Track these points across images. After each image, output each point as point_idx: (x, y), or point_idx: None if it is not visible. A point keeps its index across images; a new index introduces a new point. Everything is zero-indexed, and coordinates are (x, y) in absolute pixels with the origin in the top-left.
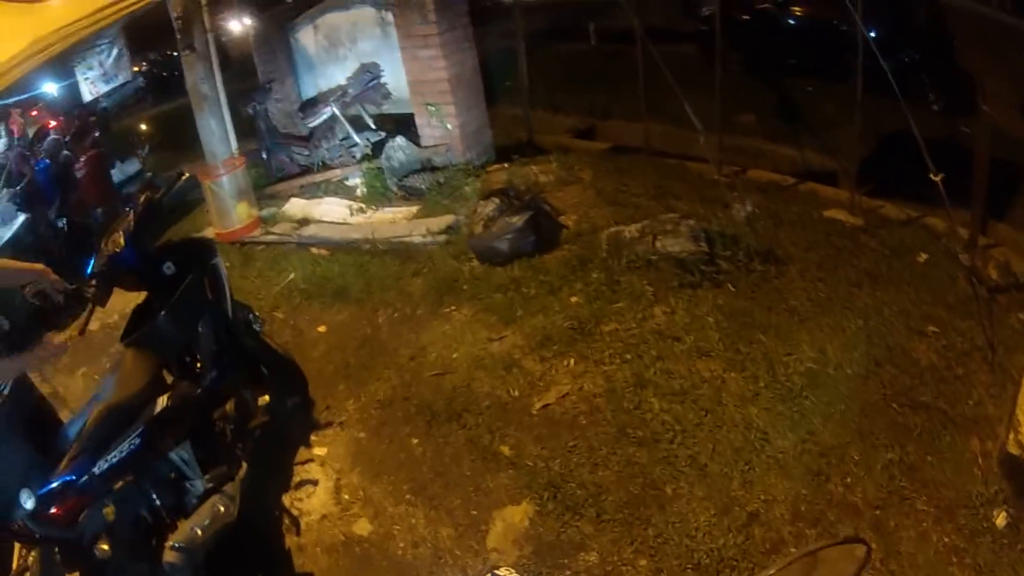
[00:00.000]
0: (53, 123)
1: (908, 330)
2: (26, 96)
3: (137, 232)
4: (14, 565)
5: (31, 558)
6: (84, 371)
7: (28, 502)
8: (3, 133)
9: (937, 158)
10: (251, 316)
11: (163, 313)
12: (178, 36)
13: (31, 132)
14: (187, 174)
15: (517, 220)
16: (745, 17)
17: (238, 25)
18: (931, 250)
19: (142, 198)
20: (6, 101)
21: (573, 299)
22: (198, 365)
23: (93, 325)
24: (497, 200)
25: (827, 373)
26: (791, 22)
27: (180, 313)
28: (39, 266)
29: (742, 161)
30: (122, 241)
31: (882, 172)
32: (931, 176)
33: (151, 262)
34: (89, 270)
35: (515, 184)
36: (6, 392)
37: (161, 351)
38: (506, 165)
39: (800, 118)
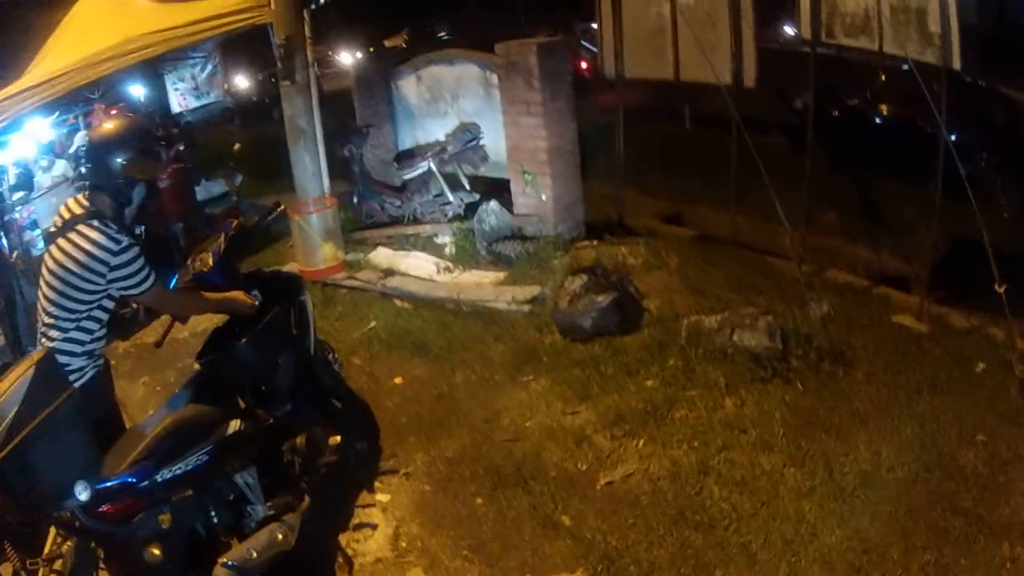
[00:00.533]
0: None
1: (959, 437)
2: (105, 92)
3: (227, 255)
4: (45, 550)
5: (65, 547)
6: (146, 380)
7: (83, 494)
8: (83, 127)
9: (1005, 267)
10: (331, 356)
11: (245, 340)
12: (278, 64)
13: None
14: (283, 206)
15: (602, 299)
16: (835, 113)
17: (340, 62)
18: (989, 360)
19: (234, 223)
20: (91, 96)
21: (649, 382)
22: (273, 395)
23: (149, 337)
24: (584, 277)
25: (880, 474)
26: (878, 120)
27: (262, 342)
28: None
29: (822, 260)
30: (211, 261)
31: (951, 278)
32: (995, 287)
33: (236, 287)
34: (172, 284)
35: (603, 263)
36: (84, 383)
37: (238, 376)
38: (595, 243)
39: (880, 219)
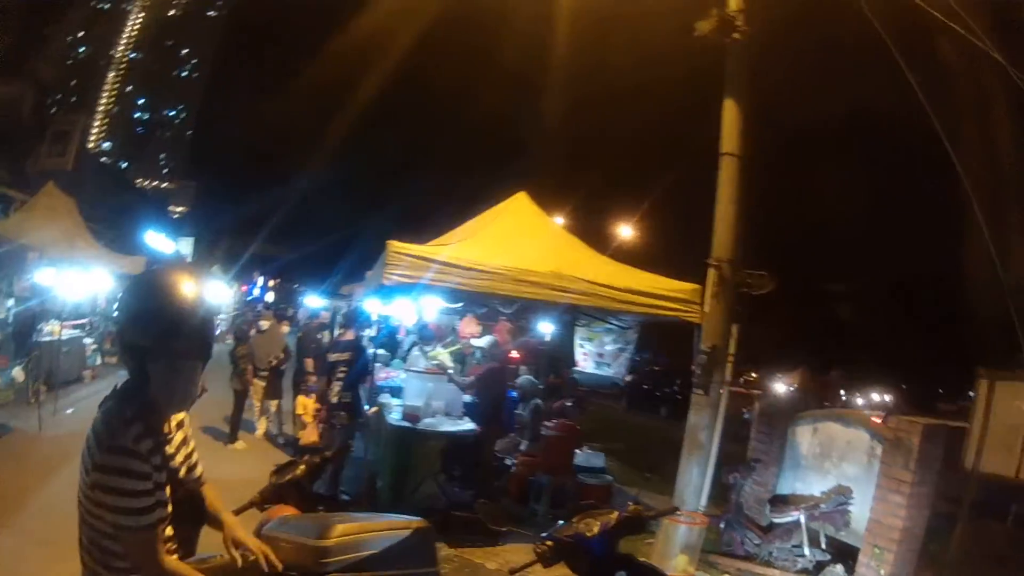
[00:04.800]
0: (515, 355)
1: None
2: (516, 312)
3: (615, 531)
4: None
5: None
6: None
7: None
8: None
9: None
10: None
11: None
12: (695, 370)
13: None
14: (679, 512)
15: None
16: None
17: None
18: None
19: (632, 508)
20: (503, 311)
21: None
22: None
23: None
24: None
25: None
26: None
27: None
28: None
29: None
30: (596, 529)
31: None
32: None
33: (607, 563)
34: (549, 533)
35: None
36: None
37: None
38: None
39: None
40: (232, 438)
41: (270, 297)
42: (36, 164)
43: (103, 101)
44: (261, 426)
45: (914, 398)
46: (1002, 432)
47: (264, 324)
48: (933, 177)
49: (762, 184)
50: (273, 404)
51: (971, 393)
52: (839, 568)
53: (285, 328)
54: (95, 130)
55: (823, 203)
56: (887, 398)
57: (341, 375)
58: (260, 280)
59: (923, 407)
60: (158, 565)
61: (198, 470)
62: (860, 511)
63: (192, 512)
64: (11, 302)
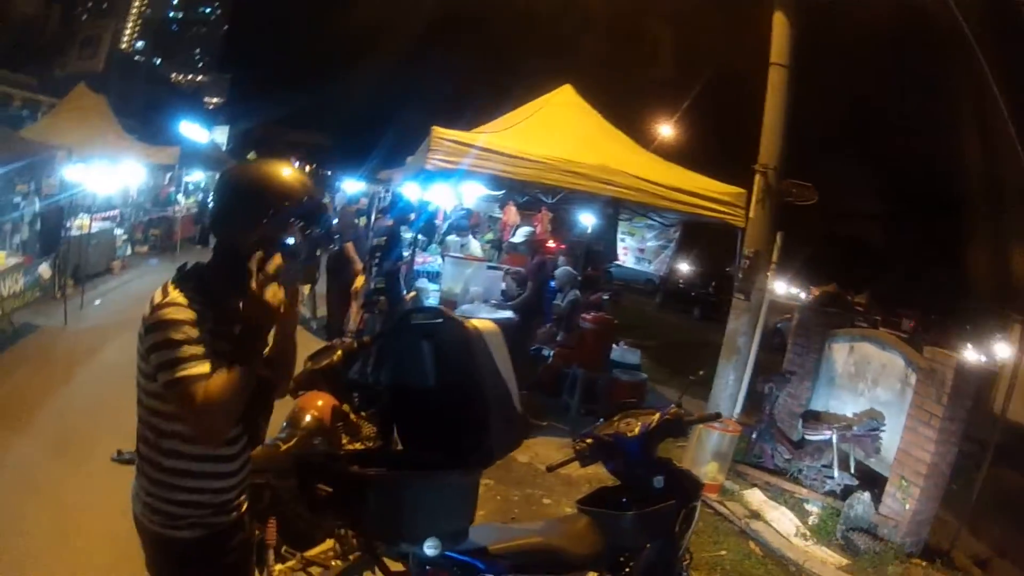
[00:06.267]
0: (553, 244)
1: None
2: (556, 202)
3: (654, 434)
4: (311, 552)
5: (335, 563)
6: (488, 483)
7: (431, 550)
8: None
9: None
10: (686, 563)
11: (633, 514)
12: (737, 275)
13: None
14: (722, 417)
15: None
16: None
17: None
18: None
19: (673, 410)
20: (544, 199)
21: None
22: (627, 569)
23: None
24: None
25: None
26: None
27: (648, 524)
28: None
29: None
30: (637, 430)
31: None
32: None
33: (647, 465)
34: (588, 431)
35: None
36: None
37: (611, 539)
38: (925, 564)
39: None
40: None
41: None
42: (66, 68)
43: (135, 4)
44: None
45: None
46: None
47: None
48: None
49: (809, 96)
50: (306, 288)
51: (999, 335)
52: (866, 495)
53: None
54: (127, 32)
55: (868, 118)
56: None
57: (378, 260)
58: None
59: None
60: (207, 402)
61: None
62: (890, 439)
63: (258, 398)
64: (37, 202)
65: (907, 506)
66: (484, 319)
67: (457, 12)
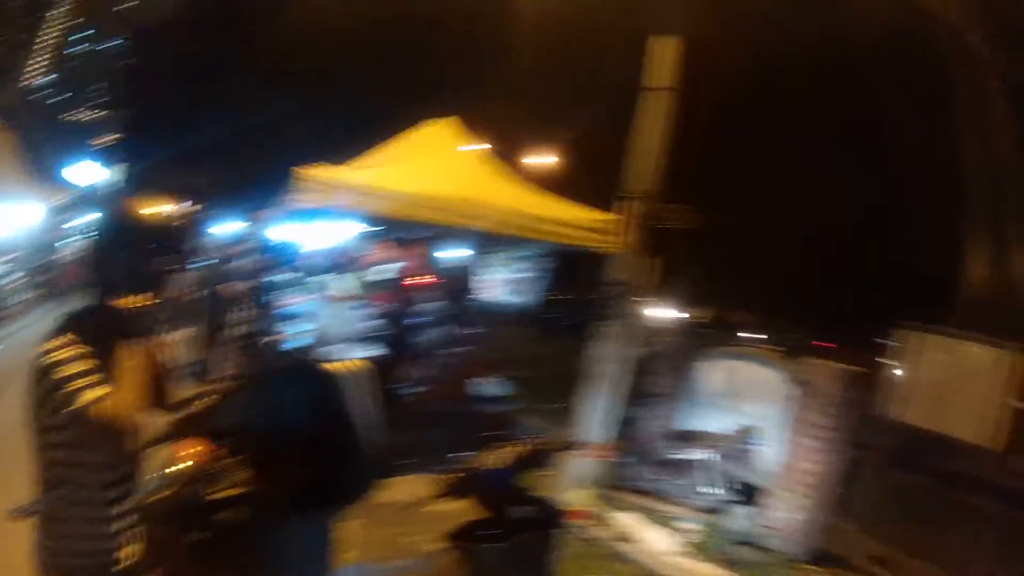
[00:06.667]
0: (426, 279)
1: None
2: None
3: (519, 466)
4: None
5: None
6: (361, 522)
7: None
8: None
9: None
10: None
11: (503, 545)
12: (609, 301)
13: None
14: (581, 445)
15: None
16: None
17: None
18: None
19: (540, 441)
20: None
21: None
22: None
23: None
24: None
25: None
26: None
27: (516, 555)
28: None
29: None
30: (505, 463)
31: None
32: None
33: (512, 496)
34: (458, 465)
35: None
36: None
37: (480, 571)
38: (820, 570)
39: None
40: None
41: None
42: None
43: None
44: None
45: (830, 342)
46: (922, 384)
47: None
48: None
49: (696, 120)
50: (183, 334)
51: (889, 343)
52: (749, 509)
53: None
54: (32, 67)
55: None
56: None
57: (251, 302)
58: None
59: (838, 353)
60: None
61: None
62: (771, 452)
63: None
64: None
65: (795, 516)
66: (351, 359)
67: (346, 50)
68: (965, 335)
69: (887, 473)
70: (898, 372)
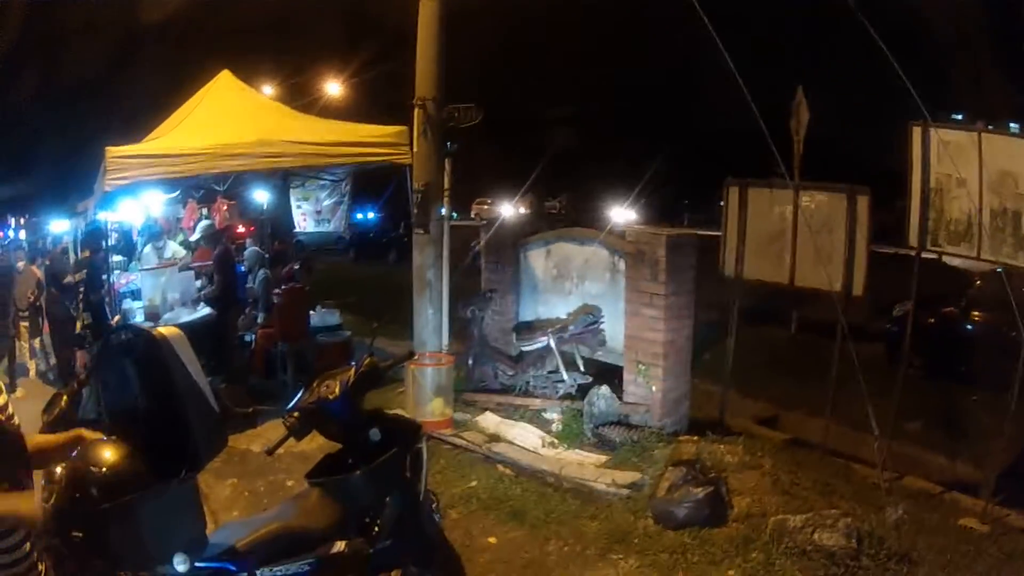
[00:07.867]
0: (242, 229)
1: None
2: (229, 186)
3: (355, 389)
4: None
5: None
6: (233, 483)
7: (181, 566)
8: (206, 217)
9: None
10: (434, 506)
11: (360, 473)
12: (413, 211)
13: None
14: (417, 355)
15: (699, 492)
16: (931, 320)
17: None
18: None
19: (368, 360)
20: (216, 188)
21: (730, 572)
22: (376, 529)
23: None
24: (684, 470)
25: None
26: (969, 328)
27: (376, 479)
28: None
29: (903, 467)
30: (337, 391)
31: (1019, 481)
32: None
33: (358, 422)
34: (293, 404)
35: (702, 458)
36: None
37: (347, 504)
38: (696, 438)
39: (960, 428)
40: (12, 387)
41: (23, 235)
42: None
43: None
44: (32, 367)
45: (658, 212)
46: (765, 239)
47: (20, 265)
48: None
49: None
50: (37, 342)
51: (721, 203)
52: (604, 388)
53: (35, 266)
54: None
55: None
56: (631, 216)
57: (82, 295)
58: (12, 222)
59: (669, 220)
60: None
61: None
62: (613, 329)
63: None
64: None
65: (653, 388)
66: (170, 326)
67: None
68: (801, 184)
69: (755, 329)
70: (733, 229)
